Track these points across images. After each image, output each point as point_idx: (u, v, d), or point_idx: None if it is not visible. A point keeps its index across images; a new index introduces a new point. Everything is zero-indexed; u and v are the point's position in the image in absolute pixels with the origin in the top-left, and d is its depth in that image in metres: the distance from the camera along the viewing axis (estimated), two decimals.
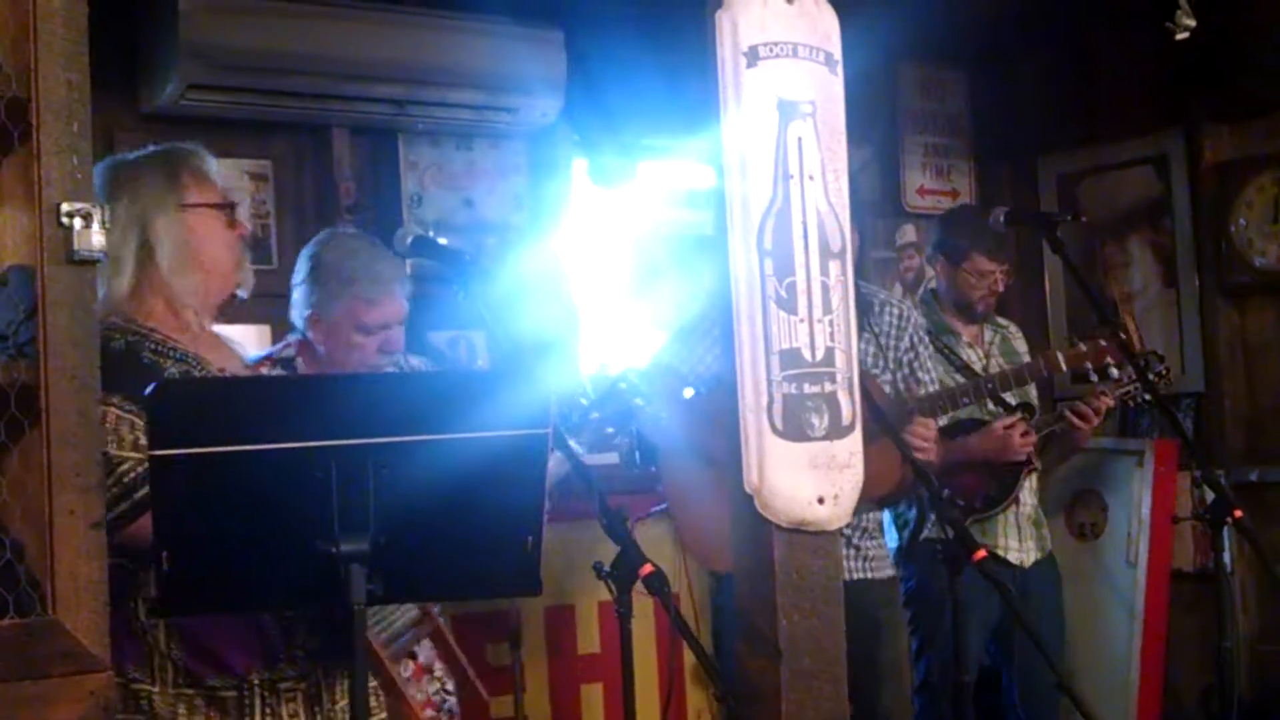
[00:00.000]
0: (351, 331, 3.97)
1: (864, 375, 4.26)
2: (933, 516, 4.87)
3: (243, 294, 3.08)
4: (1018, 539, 5.03)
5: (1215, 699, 5.61)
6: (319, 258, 4.05)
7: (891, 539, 4.96)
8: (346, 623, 2.43)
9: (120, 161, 3.01)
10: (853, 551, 4.42)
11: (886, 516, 4.96)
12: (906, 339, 4.57)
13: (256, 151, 5.13)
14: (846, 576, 4.31)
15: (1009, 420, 4.90)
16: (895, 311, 4.59)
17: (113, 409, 2.69)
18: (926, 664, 4.89)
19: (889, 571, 4.58)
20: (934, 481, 3.58)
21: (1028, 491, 5.07)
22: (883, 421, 3.44)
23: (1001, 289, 5.10)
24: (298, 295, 4.07)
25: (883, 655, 4.47)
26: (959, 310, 5.10)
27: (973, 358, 5.05)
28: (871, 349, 4.48)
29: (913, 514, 5.01)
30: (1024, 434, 4.88)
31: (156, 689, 2.76)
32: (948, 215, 5.26)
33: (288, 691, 2.84)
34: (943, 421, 4.75)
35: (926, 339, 4.70)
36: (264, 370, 3.97)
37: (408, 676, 3.86)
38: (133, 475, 2.65)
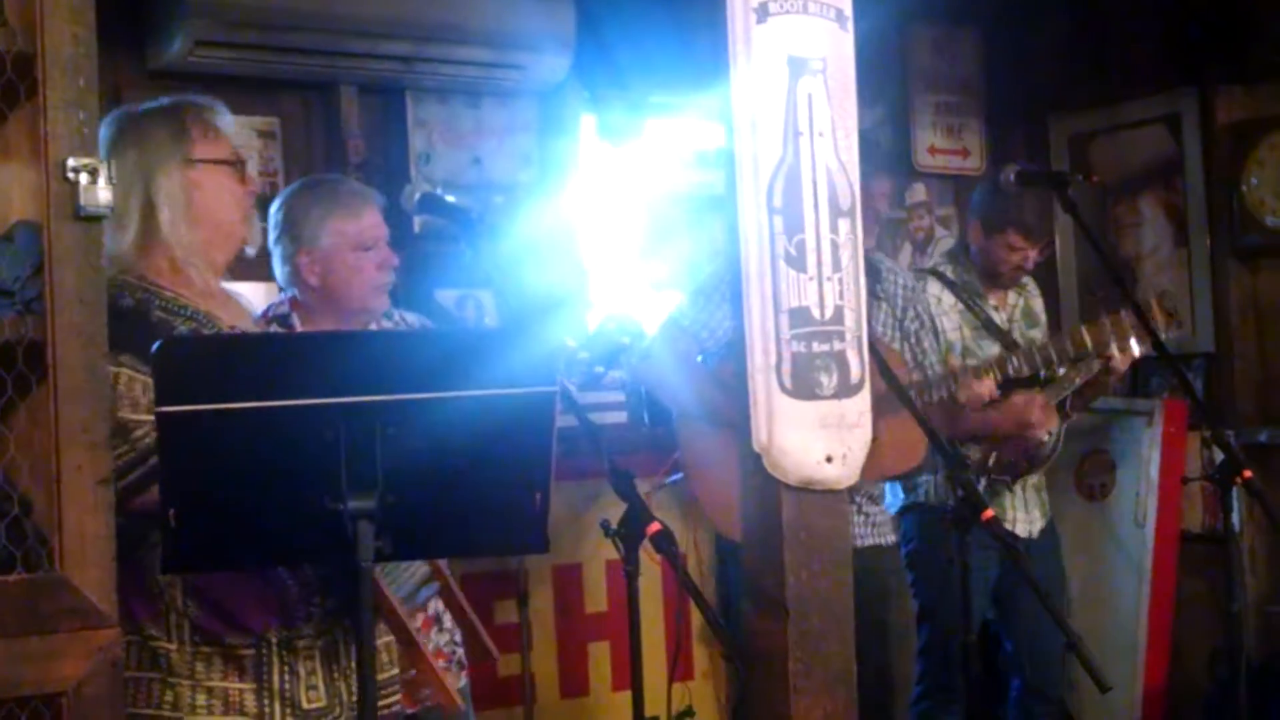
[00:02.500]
0: (348, 251, 3.86)
1: (882, 345, 4.29)
2: (936, 481, 4.88)
3: (250, 251, 3.06)
4: (1025, 510, 5.02)
5: (1223, 661, 5.62)
6: (288, 203, 3.94)
7: (891, 500, 4.96)
8: (354, 580, 2.43)
9: (129, 113, 2.97)
10: (862, 518, 4.43)
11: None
12: (913, 309, 4.58)
13: (264, 109, 5.11)
14: (858, 543, 4.34)
15: (1027, 395, 4.86)
16: (901, 280, 4.59)
17: (125, 370, 2.65)
18: (930, 627, 4.89)
19: (893, 537, 4.60)
20: (944, 441, 3.57)
21: None
22: (899, 390, 3.43)
23: (1030, 267, 5.06)
24: (279, 249, 3.94)
25: (892, 619, 4.48)
26: (986, 275, 5.07)
27: (998, 319, 5.04)
28: (883, 315, 4.48)
29: (923, 477, 5.00)
30: (1043, 407, 4.84)
31: (174, 646, 2.76)
32: (992, 184, 5.20)
33: (305, 650, 2.84)
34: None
35: (931, 312, 4.70)
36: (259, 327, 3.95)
37: (417, 627, 3.87)
38: (148, 440, 2.62)
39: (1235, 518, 4.43)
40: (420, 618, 3.89)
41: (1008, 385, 4.91)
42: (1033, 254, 5.01)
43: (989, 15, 6.70)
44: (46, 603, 2.26)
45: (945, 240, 6.57)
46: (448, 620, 4.05)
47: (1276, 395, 6.04)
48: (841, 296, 2.60)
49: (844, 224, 2.62)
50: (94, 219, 2.31)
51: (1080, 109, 6.54)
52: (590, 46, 5.45)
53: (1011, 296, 5.13)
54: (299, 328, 3.91)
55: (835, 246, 2.61)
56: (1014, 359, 4.71)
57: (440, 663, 3.95)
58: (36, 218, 2.33)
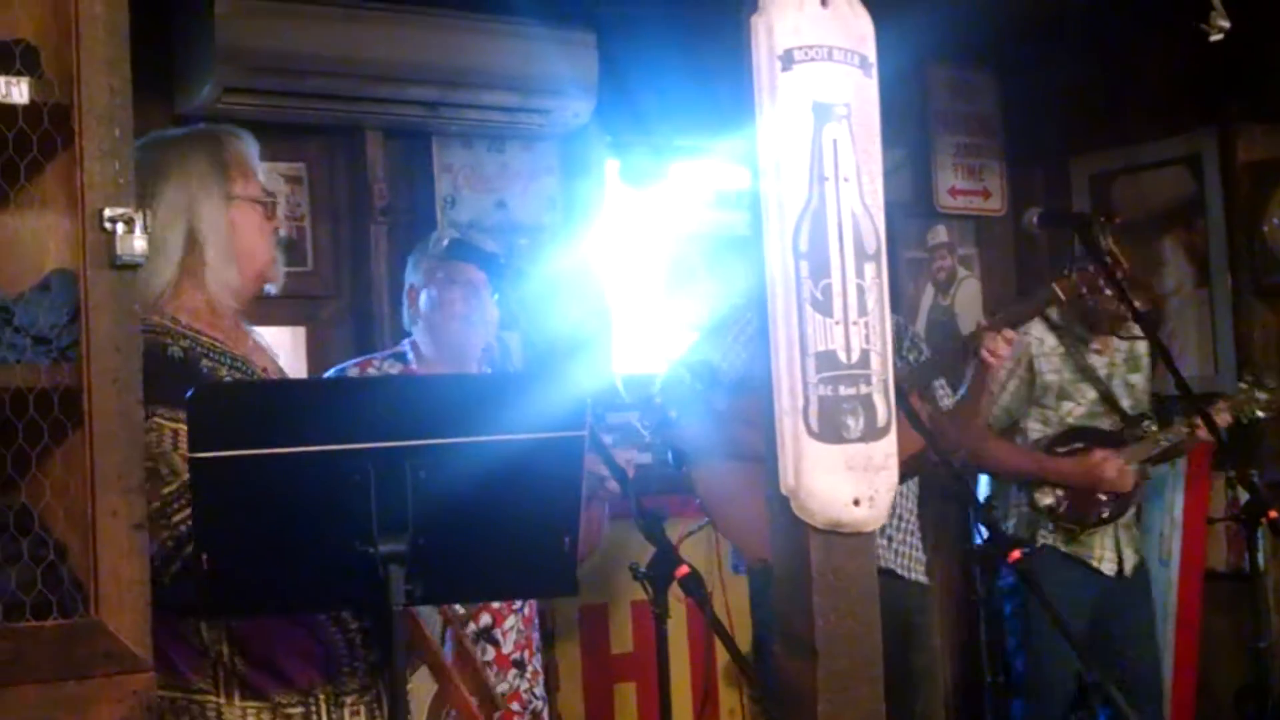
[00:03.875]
0: (447, 286, 4.07)
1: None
2: (1049, 525, 4.90)
3: (271, 289, 3.04)
4: (1114, 549, 5.02)
5: (1250, 698, 5.60)
6: (417, 250, 4.26)
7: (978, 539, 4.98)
8: (386, 623, 2.44)
9: (163, 139, 2.95)
10: (884, 541, 4.42)
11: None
12: (905, 342, 4.61)
13: (291, 154, 5.15)
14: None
15: (1105, 455, 4.88)
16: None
17: (173, 423, 2.64)
18: (1038, 672, 4.84)
19: (922, 577, 4.58)
20: (962, 474, 3.57)
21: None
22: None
23: (1129, 316, 5.07)
24: (406, 290, 4.25)
25: (915, 660, 4.47)
26: (1085, 319, 5.06)
27: (1097, 363, 5.04)
28: None
29: (1010, 517, 5.01)
30: (1120, 469, 4.86)
31: (223, 701, 2.73)
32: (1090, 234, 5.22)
33: (352, 705, 2.82)
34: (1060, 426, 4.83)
35: (922, 343, 4.73)
36: (373, 367, 4.06)
37: (488, 660, 3.93)
38: (185, 527, 2.58)
39: (1260, 556, 4.44)
40: (491, 651, 3.98)
41: (1093, 437, 4.94)
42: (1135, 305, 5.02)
43: (1008, 56, 6.73)
44: (82, 647, 2.27)
45: (967, 280, 6.59)
46: (532, 665, 4.12)
47: None
48: (868, 340, 2.61)
49: (870, 268, 2.64)
50: (129, 267, 2.33)
51: (1100, 149, 6.55)
52: (613, 90, 5.49)
53: (1115, 342, 5.12)
54: (413, 364, 4.15)
55: (861, 290, 2.62)
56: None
57: (514, 705, 4.04)
58: (72, 266, 2.35)
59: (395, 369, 4.12)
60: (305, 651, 2.78)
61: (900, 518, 4.51)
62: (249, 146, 3.00)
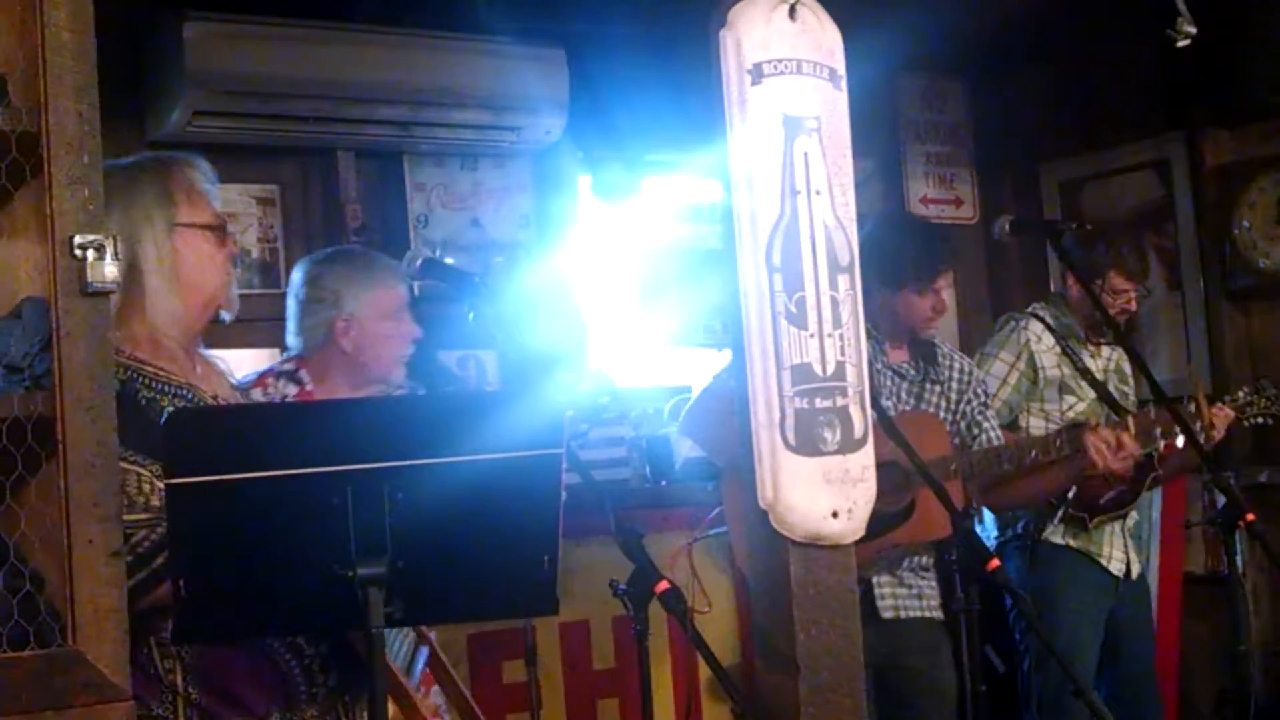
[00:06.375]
0: (382, 321, 3.99)
1: (925, 417, 4.31)
2: (1057, 516, 4.90)
3: (226, 316, 2.98)
4: (1123, 549, 5.01)
5: (1230, 702, 5.62)
6: (325, 270, 4.06)
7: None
8: (365, 646, 2.43)
9: (112, 169, 2.80)
10: (905, 590, 4.40)
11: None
12: (971, 393, 4.58)
13: (263, 176, 5.14)
14: (903, 614, 4.32)
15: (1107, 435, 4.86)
16: (959, 366, 4.60)
17: (122, 464, 2.53)
18: (1044, 677, 4.82)
19: (939, 613, 4.53)
20: (951, 502, 3.55)
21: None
22: (916, 462, 3.46)
23: (1134, 307, 5.07)
24: (309, 312, 4.03)
25: (942, 679, 4.44)
26: (1088, 322, 5.04)
27: (1094, 366, 5.04)
28: (940, 400, 4.50)
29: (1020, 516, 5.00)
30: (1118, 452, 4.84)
31: None
32: (1083, 235, 5.19)
33: None
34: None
35: (984, 391, 4.69)
36: (267, 383, 3.97)
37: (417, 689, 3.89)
38: (148, 543, 2.58)
39: (1239, 560, 4.45)
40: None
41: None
42: (1134, 294, 5.02)
43: (976, 65, 6.75)
44: (61, 678, 2.25)
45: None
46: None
47: (1274, 435, 6.04)
48: (843, 352, 2.62)
49: (843, 280, 2.65)
50: (101, 295, 2.31)
51: (1069, 156, 6.58)
52: (584, 107, 5.49)
53: (1105, 351, 5.12)
54: (309, 385, 3.98)
55: (835, 303, 2.63)
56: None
57: None
58: (44, 294, 2.34)
59: (291, 389, 3.95)
60: (260, 678, 2.76)
61: (919, 565, 4.46)
62: (200, 173, 2.93)
